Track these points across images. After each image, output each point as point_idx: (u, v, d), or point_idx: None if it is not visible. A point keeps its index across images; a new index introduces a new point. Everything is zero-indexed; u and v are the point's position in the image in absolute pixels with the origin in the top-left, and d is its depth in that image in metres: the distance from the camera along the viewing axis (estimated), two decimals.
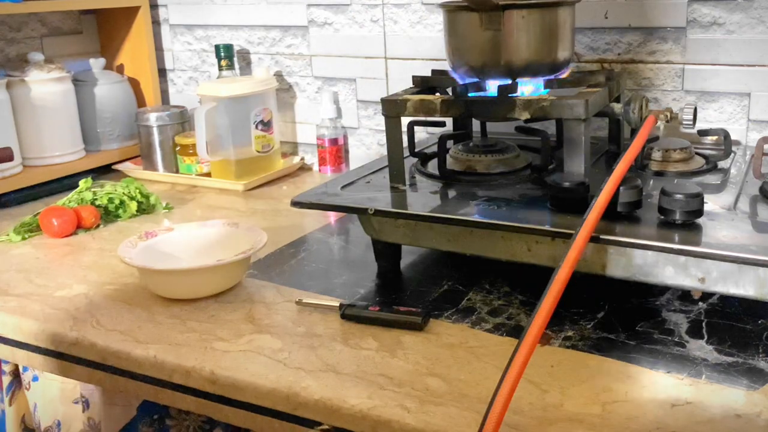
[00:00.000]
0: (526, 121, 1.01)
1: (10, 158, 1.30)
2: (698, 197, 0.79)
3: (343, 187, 1.02)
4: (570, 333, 0.82)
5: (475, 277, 0.96)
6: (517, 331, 0.82)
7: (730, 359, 0.75)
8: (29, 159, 1.46)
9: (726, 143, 1.04)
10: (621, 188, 0.81)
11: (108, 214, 1.27)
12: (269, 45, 1.56)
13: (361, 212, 0.94)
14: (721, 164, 1.02)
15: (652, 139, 1.03)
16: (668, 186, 0.80)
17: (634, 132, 0.97)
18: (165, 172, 1.50)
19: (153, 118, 1.50)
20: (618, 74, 1.10)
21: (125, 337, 0.85)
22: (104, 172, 1.54)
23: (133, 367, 0.83)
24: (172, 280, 0.93)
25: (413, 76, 1.07)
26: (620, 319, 0.84)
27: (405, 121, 1.00)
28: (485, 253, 0.90)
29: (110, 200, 1.27)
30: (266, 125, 1.41)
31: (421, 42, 1.38)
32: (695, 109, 1.02)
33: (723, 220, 0.82)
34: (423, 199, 0.97)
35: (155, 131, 1.50)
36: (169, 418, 0.92)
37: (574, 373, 0.74)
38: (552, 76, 1.03)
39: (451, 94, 1.00)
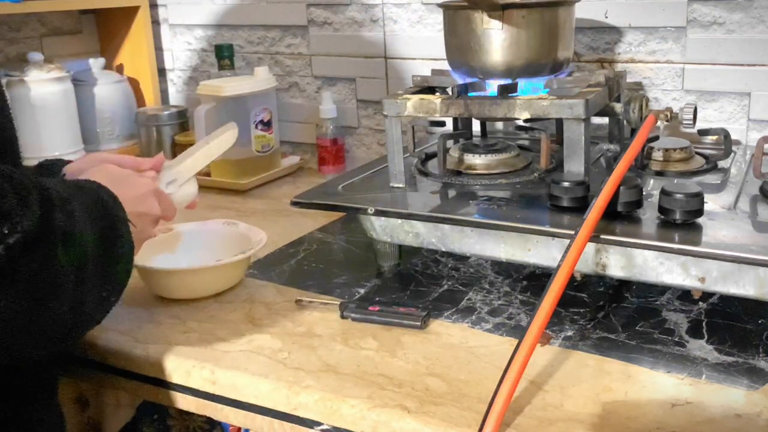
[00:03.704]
0: (526, 120, 1.01)
1: None
2: (698, 197, 0.79)
3: (343, 187, 1.02)
4: (570, 333, 0.82)
5: (475, 277, 0.96)
6: (517, 331, 0.82)
7: (730, 359, 0.75)
8: (29, 159, 1.44)
9: (726, 143, 1.04)
10: (621, 188, 0.81)
11: None
12: (269, 45, 1.56)
13: (361, 212, 0.94)
14: (721, 164, 1.02)
15: (652, 139, 1.03)
16: (668, 185, 0.80)
17: (634, 132, 0.97)
18: None
19: (153, 118, 1.50)
20: (618, 74, 1.10)
21: (125, 337, 0.85)
22: None
23: (133, 367, 0.83)
24: (172, 280, 0.93)
25: (413, 76, 1.07)
26: (620, 319, 0.84)
27: (405, 121, 1.00)
28: (485, 253, 0.90)
29: None
30: (266, 125, 1.41)
31: (421, 42, 1.38)
32: (695, 109, 1.02)
33: (723, 219, 0.82)
34: (423, 198, 0.97)
35: (155, 131, 1.49)
36: (169, 418, 0.92)
37: (574, 373, 0.74)
38: (552, 76, 1.03)
39: (451, 94, 1.00)
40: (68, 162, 0.89)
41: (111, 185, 0.73)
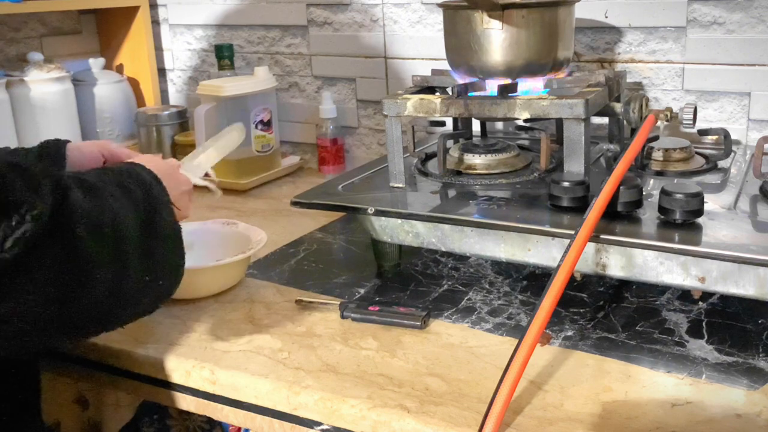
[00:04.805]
0: (526, 120, 1.01)
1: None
2: (698, 197, 0.79)
3: (343, 187, 1.02)
4: (570, 333, 0.82)
5: (475, 277, 0.96)
6: (517, 331, 0.82)
7: (730, 359, 0.75)
8: None
9: (726, 143, 1.04)
10: (621, 188, 0.81)
11: None
12: (269, 45, 1.56)
13: (361, 212, 0.94)
14: (721, 164, 1.02)
15: (652, 139, 1.03)
16: (668, 185, 0.80)
17: (634, 132, 0.97)
18: None
19: (153, 118, 1.50)
20: (618, 74, 1.10)
21: (125, 337, 0.85)
22: None
23: (133, 367, 0.83)
24: None
25: (413, 76, 1.07)
26: (620, 319, 0.84)
27: (405, 121, 1.00)
28: (485, 253, 0.90)
29: None
30: (266, 125, 1.41)
31: (421, 42, 1.38)
32: (695, 109, 1.02)
33: (723, 219, 0.82)
34: (423, 198, 0.97)
35: (155, 131, 1.49)
36: (169, 418, 0.92)
37: (574, 373, 0.74)
38: (552, 76, 1.03)
39: (451, 93, 1.00)
40: (67, 141, 0.88)
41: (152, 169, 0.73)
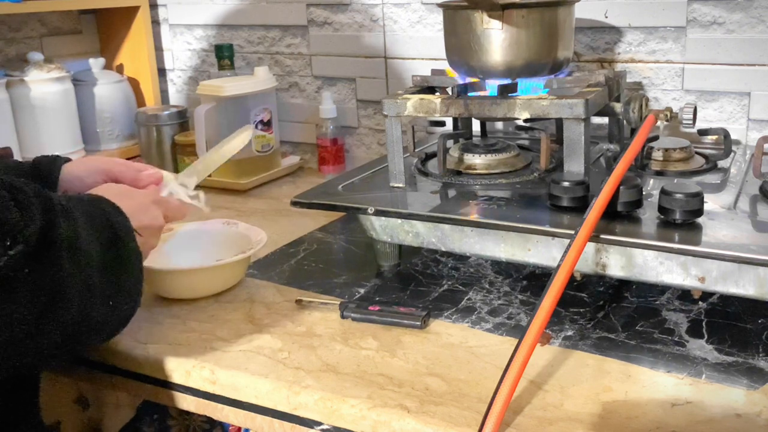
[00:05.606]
0: (526, 120, 1.01)
1: (10, 158, 1.30)
2: (698, 196, 0.79)
3: (343, 186, 1.02)
4: (570, 333, 0.82)
5: (475, 277, 0.96)
6: (517, 331, 0.82)
7: (730, 359, 0.75)
8: (28, 159, 1.46)
9: (726, 143, 1.04)
10: (621, 188, 0.81)
11: None
12: (269, 45, 1.56)
13: (361, 212, 0.94)
14: (721, 164, 1.02)
15: (652, 139, 1.03)
16: (668, 185, 0.80)
17: (634, 132, 0.97)
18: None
19: (153, 118, 1.50)
20: (618, 74, 1.10)
21: (125, 337, 0.85)
22: None
23: (133, 367, 0.83)
24: (172, 280, 0.93)
25: (413, 76, 1.07)
26: (620, 318, 0.84)
27: (405, 121, 1.00)
28: (485, 253, 0.90)
29: None
30: (266, 125, 1.41)
31: (421, 42, 1.38)
32: (695, 109, 1.02)
33: (723, 219, 0.82)
34: (423, 198, 0.97)
35: (155, 131, 1.49)
36: (170, 418, 0.92)
37: (574, 373, 0.74)
38: (552, 76, 1.03)
39: (451, 93, 1.00)
40: (66, 160, 0.89)
41: (114, 199, 0.74)
